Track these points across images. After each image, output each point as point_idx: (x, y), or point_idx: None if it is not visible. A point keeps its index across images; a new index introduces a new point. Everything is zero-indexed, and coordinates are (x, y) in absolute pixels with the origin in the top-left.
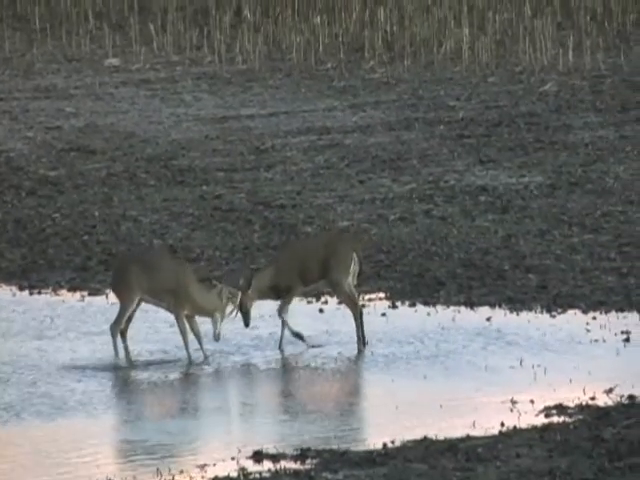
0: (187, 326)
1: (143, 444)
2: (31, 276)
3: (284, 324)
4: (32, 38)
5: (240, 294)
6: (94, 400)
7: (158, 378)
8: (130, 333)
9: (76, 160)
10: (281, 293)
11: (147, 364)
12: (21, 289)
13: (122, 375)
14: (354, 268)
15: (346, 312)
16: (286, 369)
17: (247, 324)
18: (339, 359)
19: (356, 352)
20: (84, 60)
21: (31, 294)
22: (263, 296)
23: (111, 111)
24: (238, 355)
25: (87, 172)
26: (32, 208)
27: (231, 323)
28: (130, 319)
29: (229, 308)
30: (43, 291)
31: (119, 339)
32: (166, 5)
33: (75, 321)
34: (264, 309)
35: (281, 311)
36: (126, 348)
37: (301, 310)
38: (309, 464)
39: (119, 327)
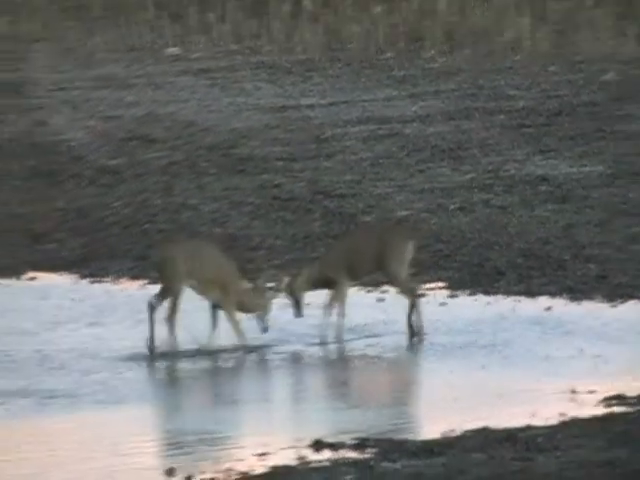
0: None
1: (201, 433)
2: (91, 265)
3: (340, 314)
4: (93, 28)
5: (287, 287)
6: (149, 388)
7: (213, 367)
8: (185, 322)
9: (136, 149)
10: (330, 286)
11: (200, 353)
12: (82, 277)
13: (176, 364)
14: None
15: (405, 302)
16: (343, 358)
17: (300, 315)
18: (397, 349)
19: (417, 342)
20: (144, 49)
21: (91, 283)
22: (313, 287)
23: (171, 100)
24: (296, 344)
25: (147, 161)
26: (93, 197)
27: (287, 312)
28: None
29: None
30: (103, 280)
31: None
32: None
33: (133, 310)
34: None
35: (330, 305)
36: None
37: (360, 299)
38: (368, 454)
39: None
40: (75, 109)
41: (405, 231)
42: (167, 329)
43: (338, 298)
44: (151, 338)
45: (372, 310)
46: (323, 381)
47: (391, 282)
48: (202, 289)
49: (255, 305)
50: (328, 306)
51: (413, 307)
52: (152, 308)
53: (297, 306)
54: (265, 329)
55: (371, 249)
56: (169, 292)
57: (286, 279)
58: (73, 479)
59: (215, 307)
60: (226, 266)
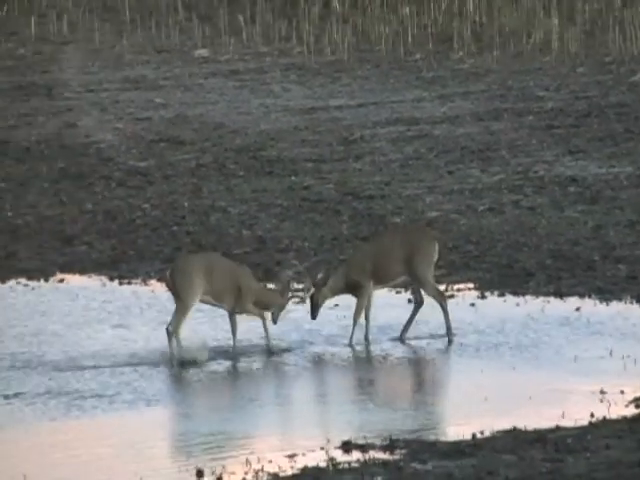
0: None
1: (229, 434)
2: (121, 266)
3: (367, 319)
4: (122, 29)
5: (311, 289)
6: (176, 390)
7: (241, 368)
8: (212, 324)
9: (165, 151)
10: (355, 291)
11: (227, 354)
12: (111, 279)
13: (203, 366)
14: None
15: (435, 303)
16: (373, 359)
17: (314, 317)
18: (427, 349)
19: (446, 342)
20: (173, 51)
21: (120, 284)
22: (338, 294)
23: (200, 102)
24: (325, 344)
25: (176, 163)
26: (122, 199)
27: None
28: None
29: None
30: (133, 281)
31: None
32: None
33: (158, 311)
34: (347, 300)
35: (356, 316)
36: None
37: (390, 300)
38: (398, 454)
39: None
40: (104, 111)
41: (431, 232)
42: (174, 342)
43: (362, 304)
44: (172, 358)
45: (404, 311)
46: (352, 382)
47: (420, 285)
48: (218, 300)
49: (273, 302)
50: (356, 314)
51: (446, 309)
52: (170, 334)
53: (316, 309)
54: (275, 321)
55: (398, 251)
56: (184, 309)
57: (309, 283)
58: None
59: (232, 313)
60: (237, 271)
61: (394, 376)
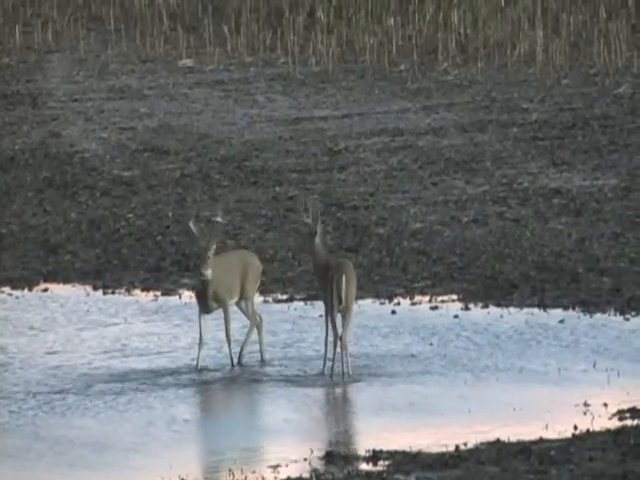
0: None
1: (214, 445)
2: (105, 276)
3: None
4: (107, 39)
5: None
6: (154, 402)
7: (223, 380)
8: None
9: (150, 160)
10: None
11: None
12: (95, 289)
13: (183, 377)
14: None
15: (414, 315)
16: (354, 372)
17: None
18: (408, 360)
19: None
20: (158, 61)
21: (105, 294)
22: None
23: (185, 112)
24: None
25: (161, 173)
26: (106, 208)
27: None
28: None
29: None
30: (117, 291)
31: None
32: (240, 6)
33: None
34: None
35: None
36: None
37: (373, 311)
38: (381, 466)
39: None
40: (89, 120)
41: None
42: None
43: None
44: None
45: (384, 321)
46: (336, 394)
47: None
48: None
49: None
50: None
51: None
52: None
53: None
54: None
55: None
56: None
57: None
58: None
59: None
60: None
61: (376, 387)
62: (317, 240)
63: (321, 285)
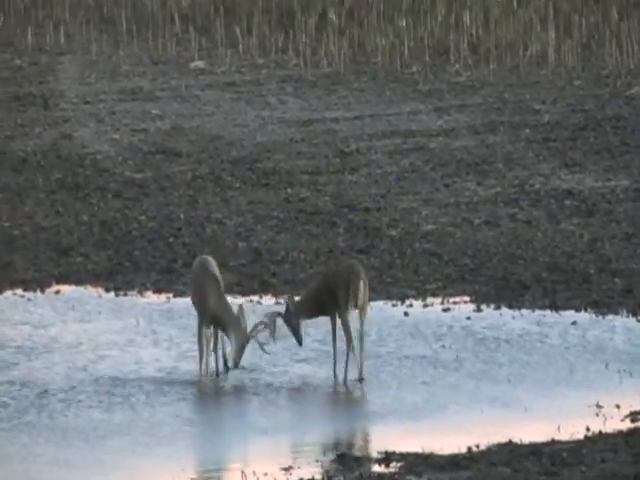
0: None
1: (226, 446)
2: (117, 278)
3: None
4: (118, 41)
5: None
6: (173, 403)
7: (233, 382)
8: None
9: (162, 162)
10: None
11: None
12: (107, 291)
13: (193, 379)
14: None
15: (430, 316)
16: (369, 372)
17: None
18: (421, 362)
19: (456, 355)
20: (170, 63)
21: (117, 295)
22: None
23: (196, 114)
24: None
25: (172, 174)
26: (118, 210)
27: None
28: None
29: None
30: (129, 293)
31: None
32: (252, 8)
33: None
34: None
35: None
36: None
37: (386, 314)
38: (393, 467)
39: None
40: (100, 122)
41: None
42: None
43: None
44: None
45: (400, 324)
46: (348, 395)
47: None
48: None
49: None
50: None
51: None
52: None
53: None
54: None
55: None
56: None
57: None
58: None
59: None
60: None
61: (390, 390)
62: (293, 307)
63: (328, 296)
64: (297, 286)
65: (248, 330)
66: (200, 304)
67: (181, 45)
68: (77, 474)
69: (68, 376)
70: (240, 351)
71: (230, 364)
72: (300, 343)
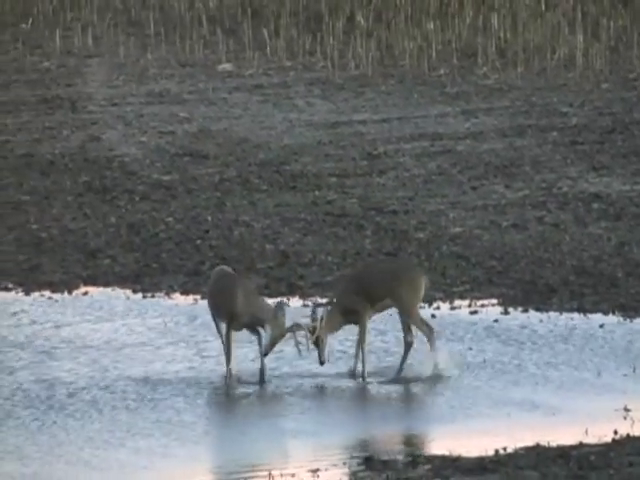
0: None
1: (255, 447)
2: (144, 280)
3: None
4: (146, 43)
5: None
6: (196, 409)
7: (256, 384)
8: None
9: (189, 165)
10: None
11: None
12: (134, 292)
13: (215, 382)
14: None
15: (457, 319)
16: (392, 378)
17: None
18: (451, 365)
19: (475, 359)
20: (197, 65)
21: (144, 297)
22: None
23: (224, 116)
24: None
25: (200, 177)
26: (145, 213)
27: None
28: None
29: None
30: (156, 295)
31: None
32: (279, 10)
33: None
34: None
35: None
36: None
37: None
38: (421, 471)
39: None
40: (128, 125)
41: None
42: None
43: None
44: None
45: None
46: (373, 399)
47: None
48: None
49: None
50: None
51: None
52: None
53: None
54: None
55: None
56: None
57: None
58: None
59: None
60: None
61: (417, 393)
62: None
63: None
64: (324, 289)
65: (286, 326)
66: (227, 308)
67: (208, 48)
68: (97, 475)
69: (93, 377)
70: (273, 343)
71: (262, 351)
72: (322, 363)
